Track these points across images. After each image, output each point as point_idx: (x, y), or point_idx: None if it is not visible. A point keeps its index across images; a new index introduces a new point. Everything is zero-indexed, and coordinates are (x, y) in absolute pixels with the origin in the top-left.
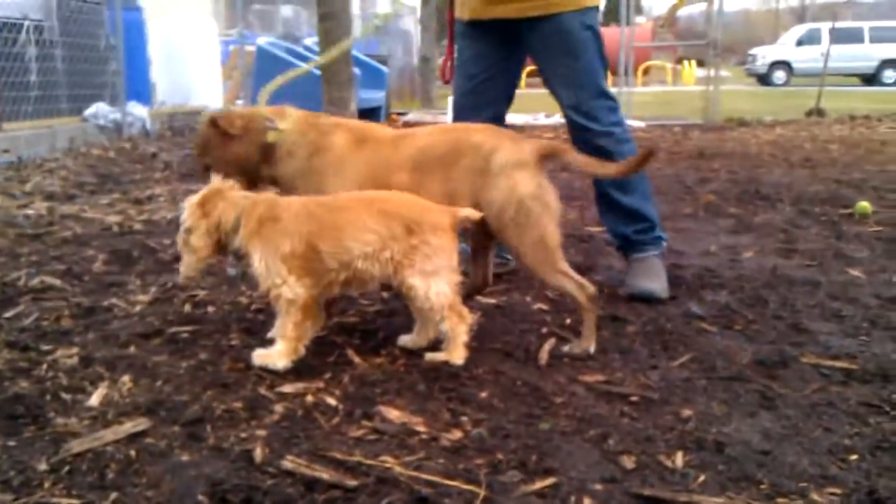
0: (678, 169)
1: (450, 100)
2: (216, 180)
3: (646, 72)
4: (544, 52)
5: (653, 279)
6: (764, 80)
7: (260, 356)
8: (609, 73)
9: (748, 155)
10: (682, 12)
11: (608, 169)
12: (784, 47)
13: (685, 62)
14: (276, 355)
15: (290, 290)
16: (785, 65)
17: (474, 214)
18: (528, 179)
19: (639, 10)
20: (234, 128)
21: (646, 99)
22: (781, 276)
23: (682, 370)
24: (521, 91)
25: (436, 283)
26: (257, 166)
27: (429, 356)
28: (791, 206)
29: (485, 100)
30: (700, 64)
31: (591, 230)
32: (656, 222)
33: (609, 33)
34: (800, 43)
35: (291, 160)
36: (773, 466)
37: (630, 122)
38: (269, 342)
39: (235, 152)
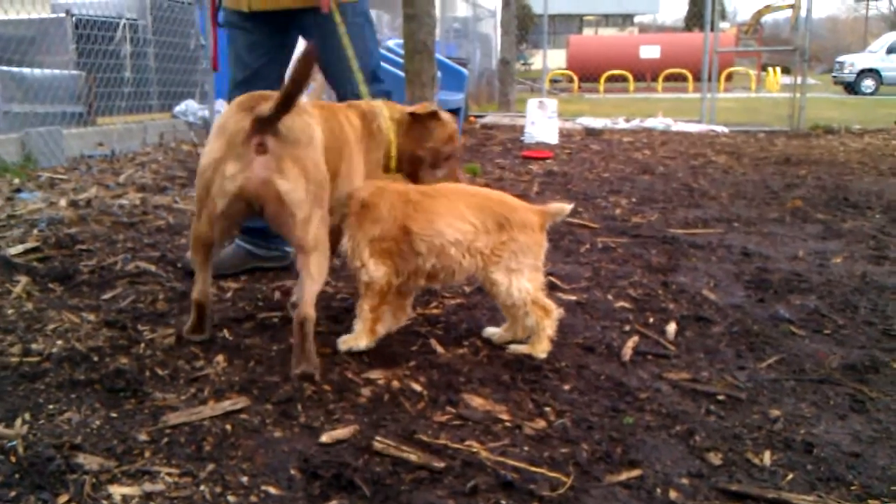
0: (764, 174)
1: (529, 102)
2: None
3: (728, 78)
4: (320, 38)
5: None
6: (852, 88)
7: (343, 341)
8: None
9: (835, 162)
10: (767, 18)
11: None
12: (873, 55)
13: (769, 69)
14: (355, 337)
15: (367, 273)
16: (874, 73)
17: (564, 209)
18: None
19: (723, 16)
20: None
21: (729, 105)
22: (871, 282)
23: (769, 371)
24: (600, 96)
25: (518, 279)
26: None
27: (512, 347)
28: (881, 213)
29: (260, 88)
30: (785, 71)
31: (674, 232)
32: None
33: (693, 38)
34: (891, 51)
35: None
36: (863, 468)
37: (713, 128)
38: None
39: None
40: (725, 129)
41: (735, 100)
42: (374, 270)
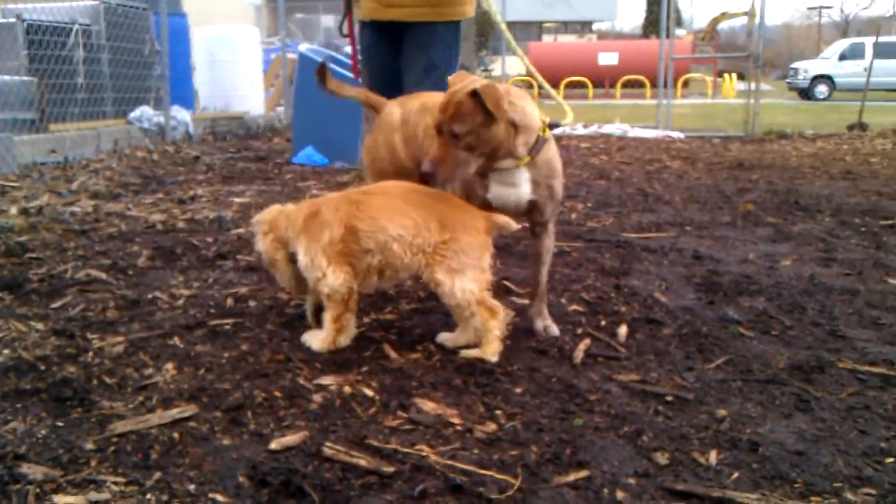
0: (717, 179)
1: None
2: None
3: (685, 84)
4: (412, 48)
5: None
6: (806, 94)
7: (307, 335)
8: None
9: (788, 167)
10: (723, 26)
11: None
12: (826, 61)
13: (725, 75)
14: (316, 339)
15: (327, 283)
16: (827, 79)
17: (511, 225)
18: None
19: (679, 23)
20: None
21: (685, 111)
22: (819, 284)
23: (717, 372)
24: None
25: (461, 279)
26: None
27: (464, 352)
28: (830, 216)
29: (373, 84)
30: (741, 77)
31: (628, 236)
32: None
33: (650, 45)
34: (842, 57)
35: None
36: (807, 466)
37: (669, 133)
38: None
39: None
40: (681, 135)
41: (691, 106)
42: (334, 279)
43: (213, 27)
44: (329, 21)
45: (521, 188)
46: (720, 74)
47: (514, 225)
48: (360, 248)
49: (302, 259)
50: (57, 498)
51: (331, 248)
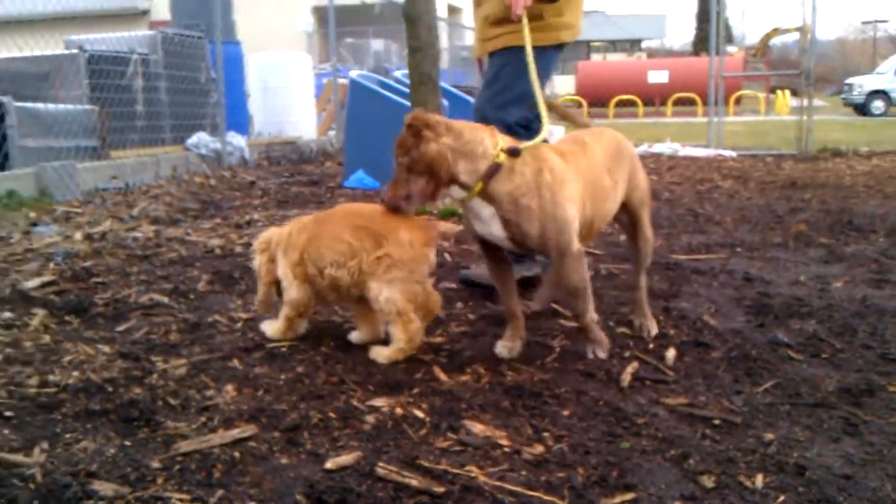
0: (769, 199)
1: None
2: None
3: (737, 101)
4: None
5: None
6: (861, 109)
7: (265, 323)
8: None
9: (841, 186)
10: (776, 41)
11: None
12: (883, 76)
13: (778, 92)
14: (272, 328)
15: (288, 293)
16: (884, 94)
17: (452, 229)
18: None
19: (730, 40)
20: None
21: (737, 128)
22: (871, 305)
23: (765, 396)
24: (610, 121)
25: (389, 290)
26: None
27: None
28: (885, 237)
29: None
30: (794, 93)
31: (677, 258)
32: None
33: (701, 62)
34: None
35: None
36: (854, 490)
37: (721, 152)
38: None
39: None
40: (733, 154)
41: (743, 123)
42: (294, 290)
43: (267, 54)
44: (379, 45)
45: (491, 227)
46: (773, 91)
47: (457, 228)
48: (308, 271)
49: (279, 271)
50: None
51: (295, 268)
